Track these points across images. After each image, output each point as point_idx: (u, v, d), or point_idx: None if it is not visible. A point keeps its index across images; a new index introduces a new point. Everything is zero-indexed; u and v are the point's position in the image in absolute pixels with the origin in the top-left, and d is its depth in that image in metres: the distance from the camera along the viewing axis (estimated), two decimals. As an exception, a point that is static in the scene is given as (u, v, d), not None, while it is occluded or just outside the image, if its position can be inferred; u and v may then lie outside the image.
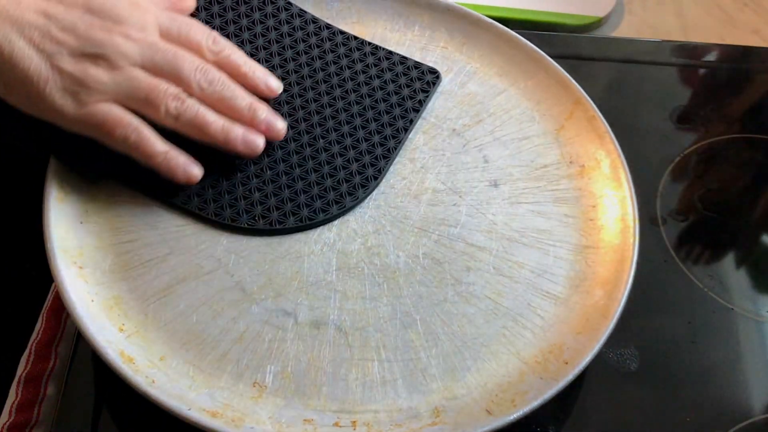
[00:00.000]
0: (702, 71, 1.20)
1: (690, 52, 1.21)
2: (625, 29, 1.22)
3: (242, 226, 0.64)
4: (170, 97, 0.63)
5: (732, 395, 0.87)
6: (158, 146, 0.64)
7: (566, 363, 0.62)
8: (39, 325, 0.88)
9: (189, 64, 0.64)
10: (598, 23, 1.17)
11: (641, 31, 1.22)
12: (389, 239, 0.64)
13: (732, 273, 0.99)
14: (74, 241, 0.64)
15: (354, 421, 0.54)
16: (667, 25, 1.26)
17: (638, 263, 0.83)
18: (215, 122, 0.65)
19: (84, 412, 0.80)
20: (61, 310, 0.89)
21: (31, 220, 1.04)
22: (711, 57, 1.20)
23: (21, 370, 0.84)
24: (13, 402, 0.82)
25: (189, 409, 0.54)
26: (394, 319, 0.60)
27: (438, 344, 0.60)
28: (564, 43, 1.08)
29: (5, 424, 0.81)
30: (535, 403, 0.58)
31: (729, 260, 1.00)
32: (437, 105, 0.77)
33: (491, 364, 0.60)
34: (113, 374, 0.65)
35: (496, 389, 0.58)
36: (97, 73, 0.61)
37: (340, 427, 0.54)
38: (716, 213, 1.04)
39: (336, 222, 0.65)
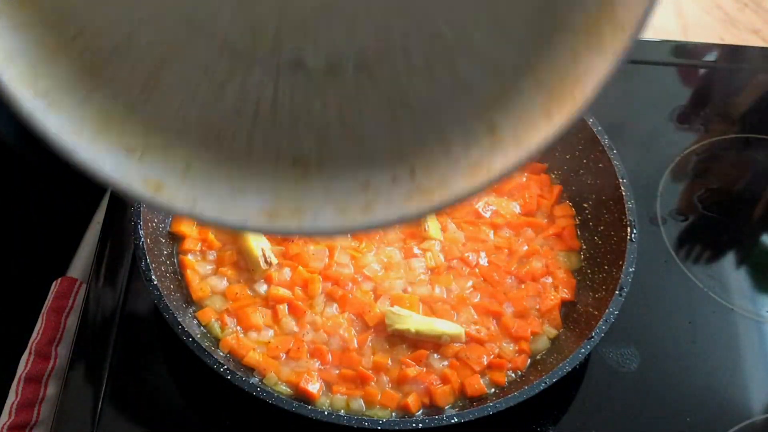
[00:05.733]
0: (702, 71, 1.20)
1: (690, 52, 1.21)
2: (625, 29, 1.22)
3: None
4: None
5: (732, 395, 0.87)
6: None
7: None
8: (39, 325, 0.88)
9: None
10: (598, 23, 1.17)
11: (641, 31, 1.22)
12: None
13: (732, 273, 0.99)
14: (6, 54, 0.46)
15: None
16: (667, 25, 1.26)
17: (638, 263, 0.83)
18: None
19: (84, 412, 0.80)
20: (61, 310, 0.89)
21: (30, 221, 1.05)
22: (711, 57, 1.20)
23: (21, 370, 0.84)
24: (13, 402, 0.82)
25: (246, 221, 0.46)
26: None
27: None
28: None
29: (5, 424, 0.81)
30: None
31: (729, 260, 1.00)
32: None
33: None
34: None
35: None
36: None
37: None
38: (716, 213, 1.04)
39: None
